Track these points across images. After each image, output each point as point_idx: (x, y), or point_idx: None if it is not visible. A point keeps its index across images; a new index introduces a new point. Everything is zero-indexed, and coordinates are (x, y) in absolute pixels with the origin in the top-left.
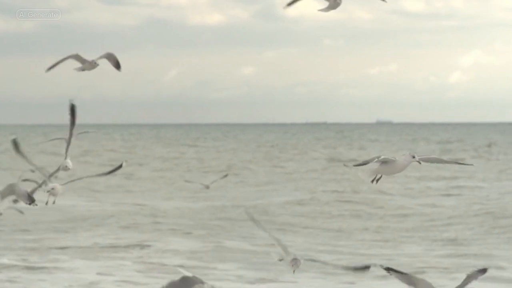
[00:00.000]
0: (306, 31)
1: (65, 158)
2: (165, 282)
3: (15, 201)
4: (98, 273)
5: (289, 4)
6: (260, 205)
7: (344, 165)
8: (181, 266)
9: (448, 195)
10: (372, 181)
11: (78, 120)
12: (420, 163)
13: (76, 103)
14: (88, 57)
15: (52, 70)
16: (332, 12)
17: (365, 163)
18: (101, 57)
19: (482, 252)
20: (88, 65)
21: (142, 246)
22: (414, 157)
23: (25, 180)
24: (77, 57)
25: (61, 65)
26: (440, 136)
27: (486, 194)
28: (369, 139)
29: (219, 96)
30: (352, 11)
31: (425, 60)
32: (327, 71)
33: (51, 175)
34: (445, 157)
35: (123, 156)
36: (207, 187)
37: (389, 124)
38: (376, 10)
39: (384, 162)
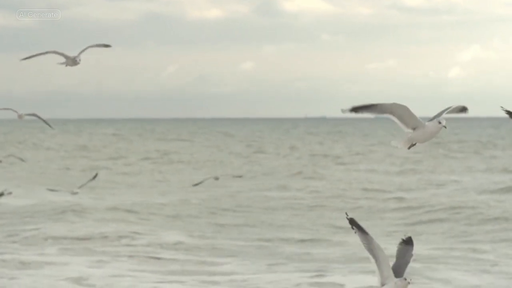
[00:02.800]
0: (305, 26)
1: None
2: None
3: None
4: (89, 267)
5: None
6: (257, 199)
7: (342, 111)
8: (175, 259)
9: (440, 187)
10: (409, 147)
11: (78, 115)
12: (446, 127)
13: (75, 98)
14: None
15: (53, 66)
16: (331, 7)
17: (362, 106)
18: (83, 51)
19: (473, 246)
20: (70, 61)
21: (136, 240)
22: (440, 122)
23: None
24: (57, 53)
25: (62, 60)
26: None
27: (469, 187)
28: (364, 133)
29: (218, 91)
30: (351, 6)
31: (424, 56)
32: (326, 67)
33: None
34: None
35: (118, 150)
36: (217, 178)
37: (389, 119)
38: (376, 5)
39: (416, 128)
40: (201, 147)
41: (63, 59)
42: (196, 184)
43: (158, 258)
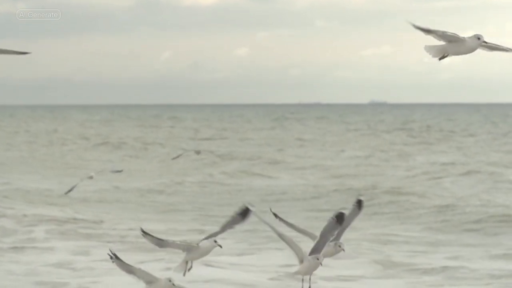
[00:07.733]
0: (300, 13)
1: None
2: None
3: None
4: (74, 253)
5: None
6: (253, 189)
7: (414, 26)
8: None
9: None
10: (440, 58)
11: (71, 101)
12: (486, 42)
13: (71, 83)
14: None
15: (48, 53)
16: None
17: (428, 30)
18: None
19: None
20: None
21: (119, 224)
22: (479, 38)
23: None
24: None
25: (61, 48)
26: (416, 116)
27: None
28: (344, 121)
29: (212, 77)
30: None
31: (419, 42)
32: (321, 53)
33: None
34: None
35: (108, 136)
36: (198, 152)
37: (383, 105)
38: None
39: (453, 40)
40: (176, 134)
41: None
42: (175, 158)
43: (142, 242)
